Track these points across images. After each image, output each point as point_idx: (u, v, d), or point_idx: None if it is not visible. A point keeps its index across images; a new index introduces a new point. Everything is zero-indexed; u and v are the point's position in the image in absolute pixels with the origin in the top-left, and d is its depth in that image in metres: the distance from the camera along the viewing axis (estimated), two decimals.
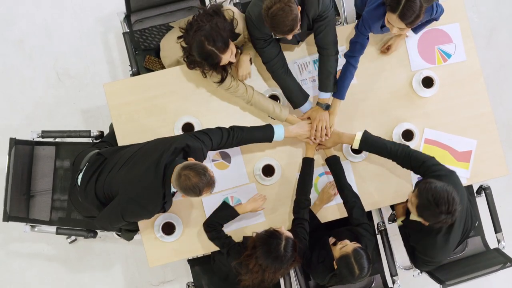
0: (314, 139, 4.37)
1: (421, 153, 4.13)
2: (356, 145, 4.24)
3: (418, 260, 4.30)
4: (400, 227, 4.56)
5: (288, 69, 4.37)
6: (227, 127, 4.15)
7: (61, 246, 5.31)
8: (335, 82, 4.36)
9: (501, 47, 5.71)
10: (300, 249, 3.98)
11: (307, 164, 4.38)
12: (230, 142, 4.12)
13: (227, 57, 4.05)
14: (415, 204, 3.79)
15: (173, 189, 3.91)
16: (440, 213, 3.68)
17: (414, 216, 3.95)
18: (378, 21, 4.18)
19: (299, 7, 3.92)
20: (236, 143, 4.15)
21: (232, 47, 4.07)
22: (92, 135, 4.71)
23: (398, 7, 3.84)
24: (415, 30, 4.43)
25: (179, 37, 4.17)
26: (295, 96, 4.39)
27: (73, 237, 5.27)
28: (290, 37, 4.03)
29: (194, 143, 3.95)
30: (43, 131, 4.65)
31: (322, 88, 4.36)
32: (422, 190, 3.73)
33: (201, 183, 3.70)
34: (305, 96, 4.41)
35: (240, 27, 4.22)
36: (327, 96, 4.37)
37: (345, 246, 3.92)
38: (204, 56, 4.00)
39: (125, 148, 4.17)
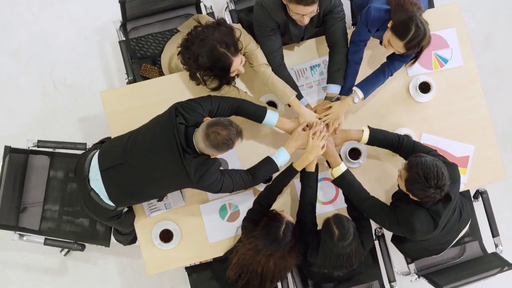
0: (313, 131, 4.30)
1: (424, 145, 4.15)
2: (364, 141, 4.23)
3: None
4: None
5: (285, 65, 4.38)
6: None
7: (58, 255, 5.29)
8: (344, 76, 4.37)
9: (498, 52, 5.71)
10: (299, 246, 4.03)
11: (311, 179, 4.28)
12: (222, 108, 4.11)
13: (237, 63, 4.07)
14: (404, 178, 3.79)
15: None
16: (429, 187, 3.68)
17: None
18: (378, 24, 4.19)
19: None
20: (228, 112, 4.15)
21: (242, 55, 4.11)
22: (88, 147, 4.69)
23: (407, 35, 3.88)
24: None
25: (181, 47, 4.19)
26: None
27: (66, 249, 5.24)
28: (306, 20, 4.10)
29: (190, 109, 3.94)
30: (39, 141, 4.64)
31: (331, 80, 4.37)
32: (413, 163, 3.74)
33: (232, 134, 3.75)
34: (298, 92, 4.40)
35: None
36: (336, 91, 4.36)
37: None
38: (215, 58, 4.00)
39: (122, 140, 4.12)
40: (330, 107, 4.35)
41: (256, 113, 4.20)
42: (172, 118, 3.87)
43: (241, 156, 4.44)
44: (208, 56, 4.01)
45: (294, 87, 4.37)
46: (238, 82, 4.47)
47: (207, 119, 3.85)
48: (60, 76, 5.50)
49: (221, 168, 4.04)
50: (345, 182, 4.19)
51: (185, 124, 3.86)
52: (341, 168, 4.19)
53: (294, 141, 4.23)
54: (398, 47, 3.97)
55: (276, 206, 4.27)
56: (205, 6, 4.87)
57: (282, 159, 4.19)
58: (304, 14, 4.06)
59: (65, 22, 5.57)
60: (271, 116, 4.20)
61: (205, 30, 4.08)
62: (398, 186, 4.03)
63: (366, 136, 4.22)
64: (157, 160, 3.92)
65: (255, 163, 4.21)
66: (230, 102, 4.14)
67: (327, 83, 4.40)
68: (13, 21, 5.57)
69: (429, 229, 3.94)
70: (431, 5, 4.90)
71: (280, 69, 4.36)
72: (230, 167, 4.41)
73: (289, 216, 4.00)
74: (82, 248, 4.66)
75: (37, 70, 5.51)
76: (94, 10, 5.58)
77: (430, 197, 3.74)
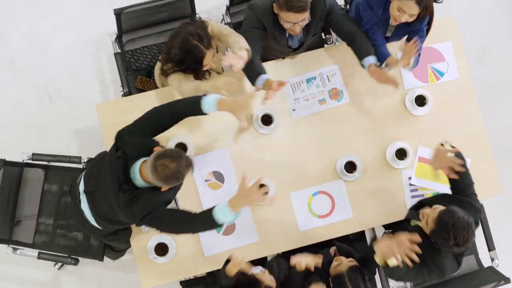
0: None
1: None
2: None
3: None
4: None
5: (257, 56, 4.33)
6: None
7: (52, 269, 5.26)
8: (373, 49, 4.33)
9: (494, 66, 5.74)
10: None
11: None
12: (161, 118, 3.81)
13: (210, 56, 4.07)
14: (431, 228, 3.70)
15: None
16: (453, 245, 3.60)
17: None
18: (380, 3, 4.24)
19: None
20: (169, 119, 3.82)
21: (214, 49, 4.12)
22: (82, 161, 4.67)
23: None
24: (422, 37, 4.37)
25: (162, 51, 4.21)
26: (253, 71, 4.29)
27: (58, 265, 5.21)
28: (298, 29, 4.14)
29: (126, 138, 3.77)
30: (33, 154, 4.62)
31: (363, 53, 4.31)
32: (444, 218, 3.63)
33: (181, 166, 3.54)
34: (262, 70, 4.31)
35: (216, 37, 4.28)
36: (373, 61, 4.29)
37: (340, 265, 3.84)
38: (187, 50, 4.00)
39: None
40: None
41: (193, 105, 3.79)
42: (112, 154, 3.76)
43: (236, 167, 4.44)
44: (180, 48, 4.02)
45: (259, 72, 4.28)
46: None
47: (157, 149, 3.66)
48: (55, 87, 5.50)
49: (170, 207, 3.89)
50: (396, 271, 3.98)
51: (124, 158, 3.74)
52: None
53: (237, 199, 3.77)
54: (411, 8, 3.98)
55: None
56: (200, 18, 4.88)
57: (208, 101, 3.76)
58: (296, 22, 4.08)
59: (61, 33, 5.58)
60: (209, 100, 3.75)
61: (180, 25, 4.10)
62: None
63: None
64: (105, 193, 3.83)
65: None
66: (165, 108, 3.83)
67: (361, 60, 4.32)
68: (8, 33, 5.57)
69: (454, 268, 3.90)
70: None
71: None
72: (225, 180, 4.41)
73: (270, 279, 3.73)
74: (76, 262, 4.63)
75: (32, 81, 5.51)
76: (89, 21, 5.58)
77: (451, 251, 3.69)
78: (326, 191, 4.44)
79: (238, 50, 4.03)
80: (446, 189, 4.40)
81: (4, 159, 4.52)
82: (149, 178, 3.62)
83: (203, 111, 3.75)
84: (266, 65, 4.44)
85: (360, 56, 4.33)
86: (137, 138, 3.77)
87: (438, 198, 4.10)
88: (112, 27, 4.77)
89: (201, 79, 4.25)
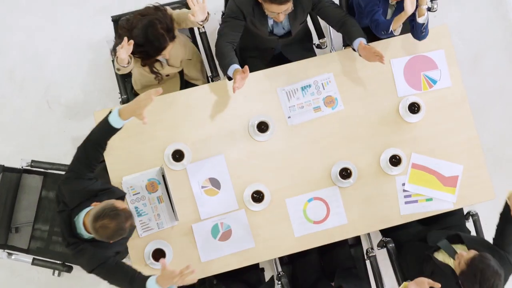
0: None
1: None
2: None
3: None
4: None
5: (230, 47, 4.45)
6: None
7: (50, 274, 5.28)
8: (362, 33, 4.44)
9: (486, 74, 5.77)
10: None
11: None
12: (87, 152, 3.89)
13: (169, 49, 4.18)
14: (461, 269, 3.77)
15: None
16: None
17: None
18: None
19: None
20: (94, 149, 3.89)
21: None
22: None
23: None
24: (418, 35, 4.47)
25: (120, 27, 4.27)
26: (224, 62, 4.42)
27: (56, 272, 5.23)
28: (281, 17, 4.22)
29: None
30: (33, 161, 4.66)
31: (353, 37, 4.40)
32: (476, 262, 3.71)
33: (121, 223, 3.56)
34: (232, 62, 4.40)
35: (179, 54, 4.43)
36: (363, 41, 4.38)
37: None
38: (152, 37, 4.07)
39: None
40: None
41: (104, 127, 3.85)
42: (56, 208, 3.82)
43: (232, 174, 4.48)
44: (144, 32, 4.08)
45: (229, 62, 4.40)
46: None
47: (95, 204, 3.69)
48: (55, 95, 5.54)
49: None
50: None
51: (66, 210, 3.79)
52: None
53: (162, 279, 3.74)
54: None
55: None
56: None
57: (113, 115, 3.80)
58: (279, 12, 4.17)
59: (59, 41, 5.61)
60: (113, 115, 3.80)
61: (147, 8, 4.17)
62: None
63: None
64: None
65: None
66: (87, 143, 3.92)
67: (351, 43, 4.43)
68: (7, 42, 5.61)
69: None
70: None
71: (217, 46, 4.48)
72: (222, 187, 4.46)
73: None
74: (69, 269, 4.67)
75: (32, 90, 5.54)
76: (87, 29, 5.62)
77: None
78: (321, 197, 4.48)
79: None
80: (439, 195, 4.46)
81: (3, 165, 4.57)
82: (93, 234, 3.66)
83: (115, 128, 3.81)
84: (261, 73, 4.53)
85: (350, 39, 4.43)
86: (75, 185, 3.83)
87: (477, 243, 4.15)
88: (110, 35, 4.80)
89: (150, 66, 4.34)
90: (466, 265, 3.74)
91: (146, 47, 4.13)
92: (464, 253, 3.85)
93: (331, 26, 4.60)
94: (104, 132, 3.84)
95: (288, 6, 4.15)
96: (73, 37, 5.62)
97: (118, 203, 3.63)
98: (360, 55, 4.35)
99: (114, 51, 4.29)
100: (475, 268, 3.68)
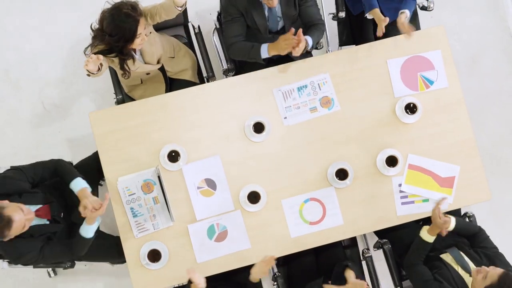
0: None
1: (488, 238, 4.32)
2: (451, 229, 4.25)
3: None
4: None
5: (241, 42, 4.56)
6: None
7: (46, 276, 5.28)
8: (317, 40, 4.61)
9: (483, 75, 5.78)
10: None
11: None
12: (39, 175, 4.25)
13: (142, 25, 4.16)
14: (491, 281, 3.78)
15: None
16: None
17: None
18: None
19: None
20: (48, 176, 4.30)
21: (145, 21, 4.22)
22: None
23: None
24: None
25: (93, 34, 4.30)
26: (252, 52, 4.53)
27: (52, 273, 5.24)
28: (274, 2, 4.24)
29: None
30: (11, 167, 4.61)
31: (310, 33, 4.56)
32: (509, 278, 3.77)
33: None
34: (259, 45, 4.51)
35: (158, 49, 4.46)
36: (309, 41, 4.49)
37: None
38: (120, 20, 4.07)
39: None
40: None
41: (67, 175, 4.24)
42: None
43: (228, 175, 4.47)
44: (111, 17, 4.10)
45: (250, 48, 4.52)
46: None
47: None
48: (49, 96, 5.53)
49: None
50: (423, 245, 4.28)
51: None
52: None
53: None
54: None
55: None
56: (193, 26, 4.92)
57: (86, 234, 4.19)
58: None
59: (54, 42, 5.61)
60: (76, 184, 4.17)
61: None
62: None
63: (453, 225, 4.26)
64: None
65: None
66: (46, 165, 4.31)
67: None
68: (1, 42, 5.61)
69: None
70: (417, 27, 4.97)
71: (232, 50, 4.58)
72: (217, 187, 4.44)
73: None
74: (72, 265, 4.66)
75: (27, 90, 5.54)
76: (82, 31, 5.59)
77: None
78: (317, 198, 4.48)
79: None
80: (435, 196, 4.46)
81: None
82: None
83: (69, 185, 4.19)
84: (257, 73, 4.54)
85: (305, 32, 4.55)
86: (13, 175, 4.18)
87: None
88: None
89: (121, 61, 4.35)
90: (498, 279, 3.77)
91: (118, 33, 4.12)
92: (486, 268, 3.87)
93: (302, 22, 4.66)
94: (65, 176, 4.25)
95: None
96: (67, 38, 5.62)
97: (9, 211, 3.78)
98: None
99: (85, 50, 4.37)
100: (507, 283, 3.75)
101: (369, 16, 4.63)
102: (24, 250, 4.08)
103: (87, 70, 4.13)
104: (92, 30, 4.25)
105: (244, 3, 4.34)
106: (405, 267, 4.39)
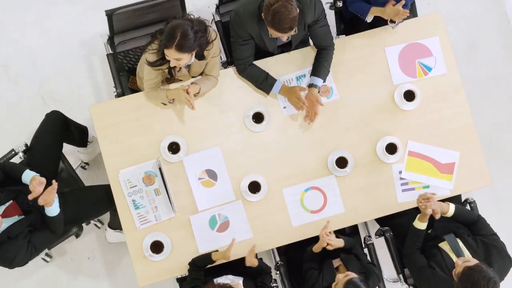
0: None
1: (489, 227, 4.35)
2: (449, 215, 4.30)
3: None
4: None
5: (251, 66, 4.51)
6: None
7: (48, 266, 5.30)
8: (327, 73, 4.52)
9: (481, 61, 5.78)
10: None
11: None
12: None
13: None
14: (457, 277, 3.85)
15: None
16: None
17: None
18: None
19: (298, 10, 4.01)
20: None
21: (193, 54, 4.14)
22: (17, 151, 4.74)
23: None
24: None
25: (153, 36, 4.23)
26: (265, 83, 4.51)
27: (47, 257, 5.26)
28: (285, 38, 4.15)
29: None
30: (26, 144, 4.68)
31: (317, 74, 4.48)
32: (465, 276, 3.79)
33: None
34: (273, 80, 4.51)
35: (212, 51, 4.29)
36: (319, 83, 4.47)
37: (338, 283, 3.91)
38: (175, 26, 3.96)
39: None
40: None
41: (16, 172, 4.32)
42: None
43: (229, 165, 4.49)
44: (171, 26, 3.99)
45: (263, 80, 4.50)
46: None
47: None
48: (49, 91, 5.52)
49: None
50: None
51: None
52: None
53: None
54: None
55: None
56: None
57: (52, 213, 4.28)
58: (283, 36, 4.14)
59: (52, 36, 5.60)
60: (27, 176, 4.25)
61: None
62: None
63: (451, 212, 4.30)
64: None
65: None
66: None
67: (311, 75, 4.51)
68: (0, 37, 5.59)
69: None
70: (414, 14, 4.97)
71: (244, 74, 4.52)
72: (218, 178, 4.46)
73: None
74: (80, 229, 4.71)
75: (26, 86, 5.53)
76: (81, 24, 5.61)
77: None
78: (318, 187, 4.49)
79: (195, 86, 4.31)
80: (436, 183, 4.48)
81: None
82: None
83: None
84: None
85: (314, 72, 4.50)
86: None
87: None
88: (103, 29, 4.80)
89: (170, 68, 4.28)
90: (459, 277, 3.83)
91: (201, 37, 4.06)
92: (459, 261, 3.91)
93: (313, 44, 4.60)
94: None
95: (292, 32, 4.10)
96: (66, 32, 5.61)
97: None
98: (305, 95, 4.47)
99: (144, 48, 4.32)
100: (465, 280, 3.78)
101: (369, 18, 4.59)
102: (11, 254, 4.14)
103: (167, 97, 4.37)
104: (158, 36, 4.13)
105: (256, 28, 4.28)
106: (403, 257, 4.43)
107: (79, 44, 5.59)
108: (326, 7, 5.10)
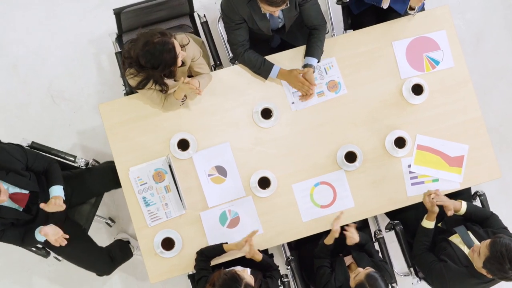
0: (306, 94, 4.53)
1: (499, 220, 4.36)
2: (462, 212, 4.33)
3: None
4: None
5: (248, 52, 4.51)
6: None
7: (61, 266, 5.32)
8: (321, 53, 4.55)
9: (488, 54, 5.77)
10: None
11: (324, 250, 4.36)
12: (37, 166, 4.36)
13: (178, 48, 4.01)
14: (485, 255, 3.84)
15: None
16: (509, 269, 3.74)
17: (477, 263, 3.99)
18: None
19: None
20: (41, 170, 4.39)
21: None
22: (78, 160, 4.70)
23: None
24: None
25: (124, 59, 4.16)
26: (262, 68, 4.51)
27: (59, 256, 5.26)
28: (277, 13, 4.20)
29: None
30: (33, 142, 4.64)
31: (311, 54, 4.51)
32: (498, 244, 3.79)
33: None
34: (271, 64, 4.51)
35: (190, 53, 4.27)
36: (314, 63, 4.49)
37: (358, 275, 3.93)
38: (159, 53, 3.90)
39: None
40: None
41: (53, 178, 4.35)
42: None
43: (238, 161, 4.50)
44: (149, 53, 3.93)
45: (260, 65, 4.50)
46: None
47: None
48: (58, 90, 5.54)
49: None
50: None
51: None
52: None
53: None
54: None
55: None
56: (199, 15, 4.92)
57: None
58: (275, 11, 4.16)
59: (61, 36, 5.61)
60: (55, 190, 4.29)
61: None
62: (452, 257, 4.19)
63: (463, 210, 4.33)
64: None
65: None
66: (43, 159, 4.41)
67: (306, 56, 4.53)
68: (8, 38, 5.61)
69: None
70: (421, 8, 4.96)
71: (241, 59, 4.52)
72: (228, 174, 4.48)
73: (249, 277, 3.91)
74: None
75: (35, 85, 5.55)
76: (89, 23, 5.63)
77: (506, 278, 3.82)
78: (328, 182, 4.50)
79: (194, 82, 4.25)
80: (445, 176, 4.48)
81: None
82: None
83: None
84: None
85: (308, 52, 4.52)
86: (10, 149, 4.31)
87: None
88: (111, 28, 4.82)
89: (161, 84, 4.25)
90: (488, 249, 3.82)
91: (161, 63, 3.95)
92: (479, 244, 3.94)
93: (305, 24, 4.59)
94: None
95: (284, 5, 4.12)
96: (74, 31, 5.63)
97: None
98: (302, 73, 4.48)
99: (123, 70, 4.29)
100: (499, 247, 3.77)
101: (385, 5, 4.55)
102: None
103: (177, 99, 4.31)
104: (125, 59, 4.12)
105: (246, 9, 4.30)
106: (412, 259, 4.45)
107: (88, 42, 5.61)
108: (333, 2, 5.13)
